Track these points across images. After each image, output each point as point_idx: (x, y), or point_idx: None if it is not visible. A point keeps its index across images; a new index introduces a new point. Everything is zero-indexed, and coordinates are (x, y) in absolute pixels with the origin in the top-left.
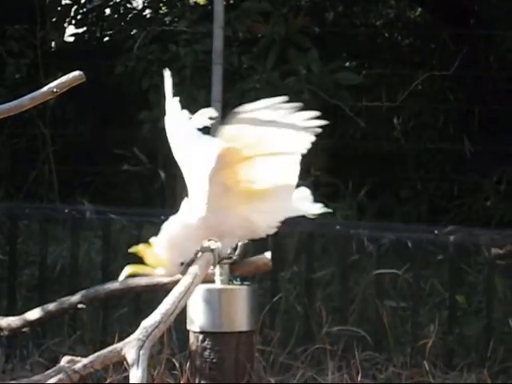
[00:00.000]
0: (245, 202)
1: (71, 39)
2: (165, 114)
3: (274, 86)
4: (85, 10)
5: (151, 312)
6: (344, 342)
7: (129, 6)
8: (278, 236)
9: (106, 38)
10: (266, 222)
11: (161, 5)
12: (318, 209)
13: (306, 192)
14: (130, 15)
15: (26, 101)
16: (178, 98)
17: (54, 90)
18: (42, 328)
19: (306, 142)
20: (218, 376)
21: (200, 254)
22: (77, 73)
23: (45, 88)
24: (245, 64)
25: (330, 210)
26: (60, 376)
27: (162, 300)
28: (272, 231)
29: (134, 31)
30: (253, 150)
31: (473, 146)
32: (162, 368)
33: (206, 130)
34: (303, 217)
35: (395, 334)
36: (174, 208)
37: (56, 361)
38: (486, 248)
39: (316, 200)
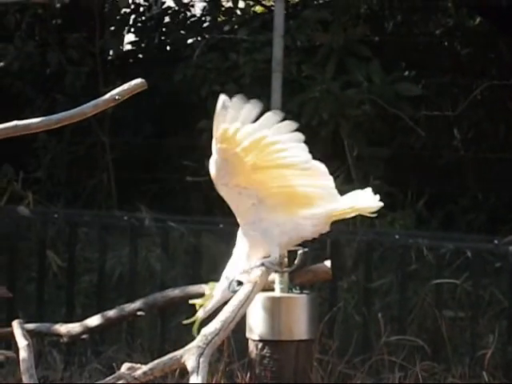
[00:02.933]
0: (284, 211)
1: (129, 47)
2: None
3: (334, 95)
4: (144, 18)
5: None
6: (402, 352)
7: (188, 13)
8: (337, 245)
9: (165, 46)
10: (312, 224)
11: (219, 13)
12: (375, 204)
13: (368, 191)
14: (188, 23)
15: (89, 108)
16: None
17: (116, 97)
18: (100, 335)
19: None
20: None
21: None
22: (138, 80)
23: (107, 95)
24: (304, 73)
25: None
26: (120, 383)
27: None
28: (320, 233)
29: (193, 39)
30: (251, 156)
31: None
32: (221, 376)
33: None
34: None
35: (454, 344)
36: (232, 217)
37: (114, 368)
38: None
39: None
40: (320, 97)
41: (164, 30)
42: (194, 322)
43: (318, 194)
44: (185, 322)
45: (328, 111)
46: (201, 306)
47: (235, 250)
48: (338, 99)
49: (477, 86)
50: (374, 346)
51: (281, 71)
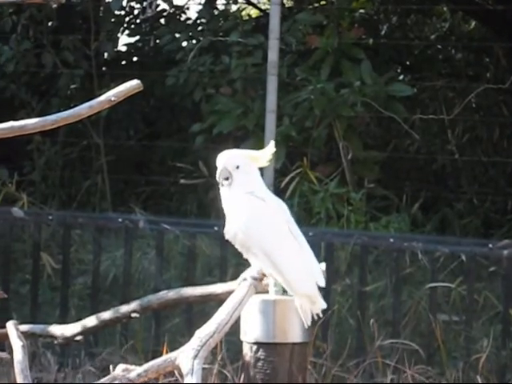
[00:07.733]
0: None
1: (124, 48)
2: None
3: (327, 97)
4: (138, 20)
5: (203, 323)
6: (396, 356)
7: (183, 16)
8: (331, 248)
9: (160, 49)
10: None
11: (214, 12)
12: None
13: None
14: (182, 26)
15: (84, 109)
16: None
17: (112, 98)
18: (94, 337)
19: None
20: None
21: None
22: (134, 82)
23: (102, 97)
24: (298, 75)
25: None
26: None
27: (214, 312)
28: None
29: (187, 42)
30: None
31: None
32: (214, 379)
33: None
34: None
35: (448, 348)
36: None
37: (107, 370)
38: None
39: (369, 212)
40: (314, 98)
41: (158, 32)
42: None
43: None
44: None
45: (322, 112)
46: None
47: None
48: (331, 100)
49: (472, 90)
50: (367, 350)
51: (276, 74)
